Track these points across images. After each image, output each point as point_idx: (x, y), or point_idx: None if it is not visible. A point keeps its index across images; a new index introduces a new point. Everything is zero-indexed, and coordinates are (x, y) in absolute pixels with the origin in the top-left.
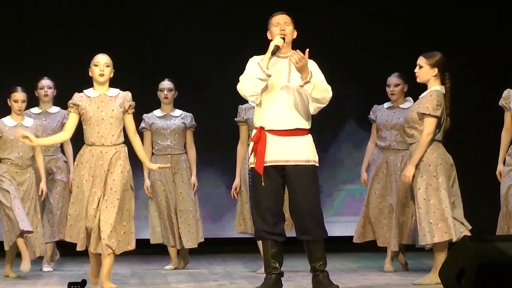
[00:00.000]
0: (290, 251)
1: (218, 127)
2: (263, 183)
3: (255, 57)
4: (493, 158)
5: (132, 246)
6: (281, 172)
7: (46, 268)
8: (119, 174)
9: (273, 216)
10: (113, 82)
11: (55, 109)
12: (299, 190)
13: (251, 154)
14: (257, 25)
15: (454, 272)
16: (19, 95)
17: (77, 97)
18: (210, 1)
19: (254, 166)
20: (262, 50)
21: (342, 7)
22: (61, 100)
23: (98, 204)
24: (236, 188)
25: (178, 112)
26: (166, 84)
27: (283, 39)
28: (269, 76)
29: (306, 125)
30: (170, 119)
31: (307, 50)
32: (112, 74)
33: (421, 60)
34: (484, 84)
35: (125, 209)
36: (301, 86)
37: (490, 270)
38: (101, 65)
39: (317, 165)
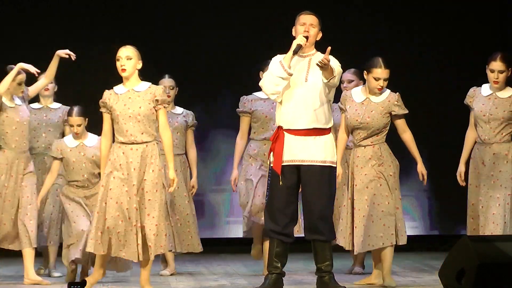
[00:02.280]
0: (290, 251)
1: (218, 126)
2: (280, 182)
3: (278, 55)
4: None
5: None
6: (297, 172)
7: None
8: (150, 173)
9: (284, 216)
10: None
11: (57, 105)
12: (312, 191)
13: (269, 154)
14: (257, 25)
15: (454, 272)
16: (73, 120)
17: (106, 95)
18: (210, 1)
19: (273, 165)
20: (262, 49)
21: (342, 7)
22: (61, 98)
23: (130, 205)
24: (234, 180)
25: (179, 109)
26: (166, 82)
27: (306, 38)
28: (290, 75)
29: (325, 124)
30: (171, 117)
31: (329, 48)
32: (139, 66)
33: (387, 73)
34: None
35: (158, 209)
36: (328, 82)
37: (490, 270)
38: (122, 59)
39: (334, 165)
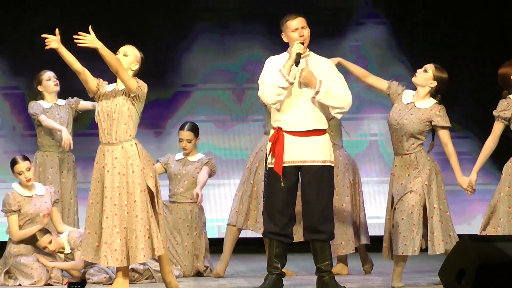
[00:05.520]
0: (290, 251)
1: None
2: (282, 183)
3: (271, 58)
4: (491, 161)
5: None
6: (297, 173)
7: None
8: (131, 174)
9: (283, 217)
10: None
11: (62, 101)
12: (314, 191)
13: (268, 155)
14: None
15: (454, 272)
16: (184, 134)
17: (106, 87)
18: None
19: (272, 166)
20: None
21: (341, 10)
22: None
23: (112, 210)
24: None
25: (197, 157)
26: (185, 134)
27: (302, 44)
28: (292, 83)
29: (323, 125)
30: (186, 164)
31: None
32: (134, 67)
33: (431, 67)
34: (483, 84)
35: (146, 211)
36: (313, 97)
37: (490, 270)
38: (120, 53)
39: (333, 165)
